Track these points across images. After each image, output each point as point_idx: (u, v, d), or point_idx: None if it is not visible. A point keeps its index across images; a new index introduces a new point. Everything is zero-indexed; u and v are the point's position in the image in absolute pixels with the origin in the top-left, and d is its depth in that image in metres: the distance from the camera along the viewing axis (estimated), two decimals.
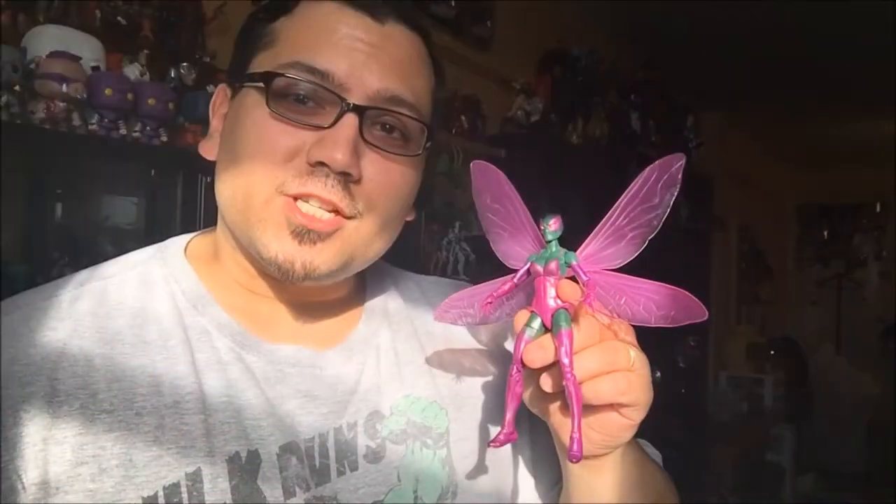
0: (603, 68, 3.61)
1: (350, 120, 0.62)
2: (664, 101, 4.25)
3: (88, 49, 1.56)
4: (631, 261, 0.56)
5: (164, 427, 0.59)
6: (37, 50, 1.49)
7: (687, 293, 0.54)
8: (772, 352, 5.60)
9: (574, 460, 0.54)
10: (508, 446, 0.72)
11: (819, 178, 7.19)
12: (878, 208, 7.46)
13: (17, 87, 1.43)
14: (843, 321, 7.24)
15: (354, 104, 0.62)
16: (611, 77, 3.70)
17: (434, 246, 2.63)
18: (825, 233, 7.76)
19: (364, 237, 0.65)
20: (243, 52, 0.68)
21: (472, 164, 0.62)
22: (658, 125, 4.11)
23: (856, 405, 5.88)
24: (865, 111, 5.23)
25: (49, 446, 0.56)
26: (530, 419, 0.65)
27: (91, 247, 1.66)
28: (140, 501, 0.56)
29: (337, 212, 0.62)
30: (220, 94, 0.71)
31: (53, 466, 0.56)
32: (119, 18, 1.68)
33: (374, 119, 0.64)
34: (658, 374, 3.72)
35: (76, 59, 1.51)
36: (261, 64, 0.65)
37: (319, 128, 0.62)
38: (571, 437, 0.54)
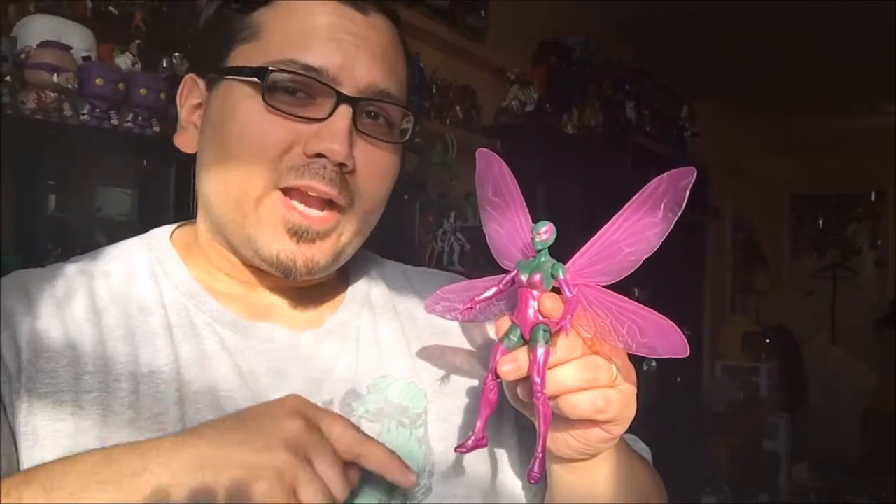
0: (598, 58, 3.60)
1: (345, 111, 0.63)
2: (659, 90, 4.24)
3: (79, 39, 1.55)
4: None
5: (139, 393, 0.61)
6: (27, 39, 1.48)
7: (672, 325, 0.52)
8: (767, 341, 5.62)
9: (532, 481, 0.54)
10: (489, 432, 0.72)
11: (814, 168, 7.20)
12: (872, 197, 7.47)
13: (7, 77, 1.42)
14: (838, 310, 7.25)
15: (348, 95, 0.63)
16: (606, 67, 3.69)
17: (429, 236, 2.63)
18: (820, 222, 7.77)
19: (355, 228, 0.67)
20: (218, 43, 0.68)
21: (477, 152, 0.62)
22: (653, 115, 4.11)
23: (851, 394, 5.91)
24: (860, 101, 5.23)
25: (32, 399, 0.59)
26: (517, 412, 0.65)
27: (84, 238, 1.65)
28: None
29: (331, 203, 0.64)
30: (188, 84, 0.72)
31: (34, 419, 0.58)
32: (110, 8, 1.67)
33: (363, 109, 0.65)
34: (653, 363, 3.71)
35: (67, 48, 1.49)
36: (245, 57, 0.65)
37: (314, 120, 0.63)
38: (534, 457, 0.54)
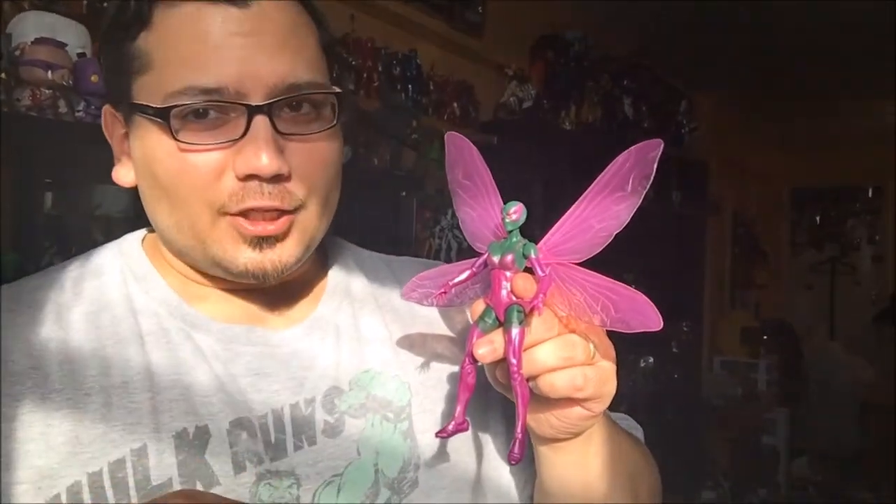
0: (596, 53, 3.59)
1: (260, 122, 0.60)
2: (657, 85, 4.24)
3: (74, 35, 1.55)
4: (616, 246, 0.54)
5: (112, 405, 0.60)
6: (22, 36, 1.48)
7: (645, 299, 0.52)
8: (766, 336, 5.62)
9: (512, 462, 0.54)
10: (475, 421, 0.72)
11: (813, 162, 7.18)
12: (870, 192, 7.46)
13: (2, 75, 1.41)
14: (836, 305, 7.24)
15: (258, 105, 0.60)
16: (604, 62, 3.68)
17: (427, 233, 2.62)
18: (818, 217, 7.76)
19: (315, 219, 0.65)
20: (118, 75, 0.64)
21: (446, 136, 0.61)
22: (651, 110, 4.10)
23: (849, 389, 5.91)
24: (860, 95, 5.22)
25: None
26: (503, 397, 0.65)
27: (82, 236, 1.65)
28: (85, 477, 0.58)
29: (282, 210, 0.62)
30: (108, 117, 0.68)
31: (3, 443, 0.57)
32: (105, 5, 1.66)
33: (280, 107, 0.61)
34: (651, 358, 3.72)
35: (62, 45, 1.49)
36: (144, 91, 0.62)
37: (234, 141, 0.60)
38: (514, 438, 0.54)
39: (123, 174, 0.68)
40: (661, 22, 3.80)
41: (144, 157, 0.63)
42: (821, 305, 7.23)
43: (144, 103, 0.61)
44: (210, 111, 0.60)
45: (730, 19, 3.81)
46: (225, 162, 0.60)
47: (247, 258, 0.62)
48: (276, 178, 0.60)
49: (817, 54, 4.31)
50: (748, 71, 4.76)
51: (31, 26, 1.50)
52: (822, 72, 4.66)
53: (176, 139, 0.60)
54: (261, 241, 0.62)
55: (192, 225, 0.62)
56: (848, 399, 5.87)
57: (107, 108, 0.68)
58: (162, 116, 0.60)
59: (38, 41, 1.47)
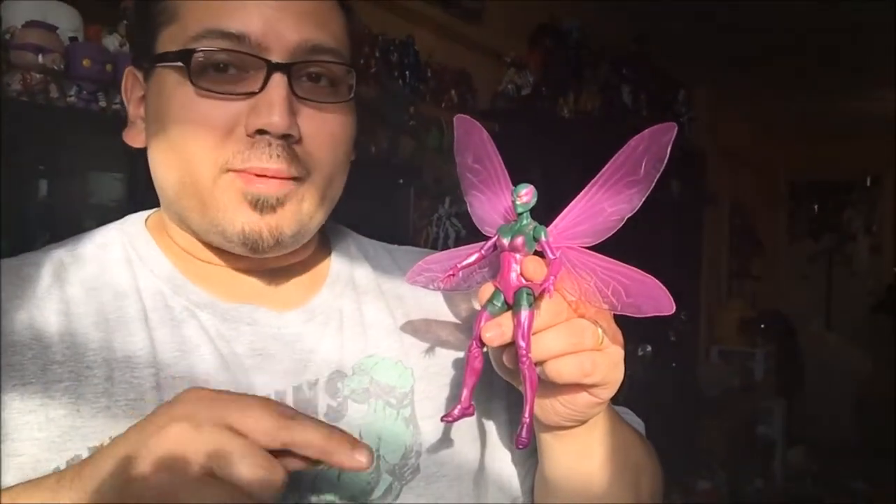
0: (594, 42, 3.57)
1: (278, 79, 0.60)
2: (656, 75, 4.22)
3: (66, 19, 1.53)
4: (615, 235, 0.53)
5: (114, 379, 0.60)
6: (12, 20, 1.46)
7: (657, 283, 0.51)
8: (762, 326, 5.62)
9: (520, 446, 0.53)
10: (479, 409, 0.71)
11: (810, 154, 7.18)
12: (868, 183, 7.46)
13: None
14: (833, 296, 7.27)
15: (279, 62, 0.60)
16: (602, 50, 3.66)
17: (424, 222, 2.61)
18: (815, 208, 7.76)
19: (316, 196, 0.65)
20: (144, 32, 0.66)
21: (455, 119, 0.61)
22: (650, 99, 4.08)
23: (846, 379, 5.93)
24: (858, 86, 5.21)
25: None
26: (507, 385, 0.64)
27: (75, 224, 1.63)
28: (85, 451, 0.57)
29: (284, 177, 0.62)
30: (129, 79, 0.69)
31: (3, 413, 0.57)
32: None
33: (300, 72, 0.62)
34: (649, 347, 3.70)
35: (53, 28, 1.47)
36: (168, 41, 0.63)
37: (250, 94, 0.60)
38: (521, 422, 0.53)
39: (134, 135, 0.68)
40: (659, 12, 3.78)
41: (158, 111, 0.64)
42: (818, 296, 7.25)
43: (168, 51, 0.62)
44: (230, 67, 0.61)
45: (728, 10, 3.79)
46: (237, 118, 0.61)
47: (245, 219, 0.62)
48: (285, 139, 0.61)
49: (815, 46, 4.30)
50: (746, 62, 4.75)
51: (21, 9, 1.48)
52: (820, 63, 4.65)
53: (193, 83, 0.60)
54: (260, 203, 0.61)
55: (194, 181, 0.62)
56: (844, 389, 5.89)
57: (129, 70, 0.69)
58: (183, 59, 0.60)
59: (29, 24, 1.45)
